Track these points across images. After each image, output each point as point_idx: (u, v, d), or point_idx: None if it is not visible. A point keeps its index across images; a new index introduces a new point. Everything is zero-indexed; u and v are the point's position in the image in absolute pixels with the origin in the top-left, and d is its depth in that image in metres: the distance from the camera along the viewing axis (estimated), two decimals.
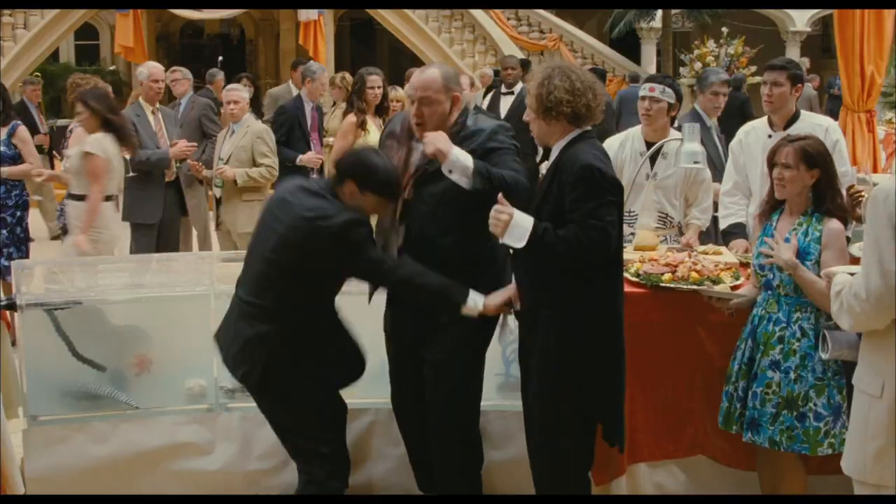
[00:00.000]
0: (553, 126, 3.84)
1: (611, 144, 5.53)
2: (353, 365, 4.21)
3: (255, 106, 9.59)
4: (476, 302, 4.00)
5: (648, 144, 5.41)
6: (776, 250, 4.03)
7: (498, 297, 4.04)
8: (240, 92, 7.56)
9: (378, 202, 4.03)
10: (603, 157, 3.80)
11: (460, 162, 3.93)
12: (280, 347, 3.98)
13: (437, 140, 3.98)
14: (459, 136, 4.09)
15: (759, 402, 4.09)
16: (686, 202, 5.54)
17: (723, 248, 5.13)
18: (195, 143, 7.80)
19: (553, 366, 3.83)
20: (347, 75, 10.21)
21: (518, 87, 10.06)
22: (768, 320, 4.12)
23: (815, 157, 4.09)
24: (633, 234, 5.35)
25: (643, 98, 5.37)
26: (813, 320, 4.07)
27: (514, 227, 3.71)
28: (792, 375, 4.05)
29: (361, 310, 4.38)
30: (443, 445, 4.31)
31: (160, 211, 7.57)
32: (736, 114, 7.87)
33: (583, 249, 3.65)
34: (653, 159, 5.38)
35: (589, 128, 3.88)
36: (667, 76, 5.83)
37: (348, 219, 3.89)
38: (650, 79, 5.57)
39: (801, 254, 4.04)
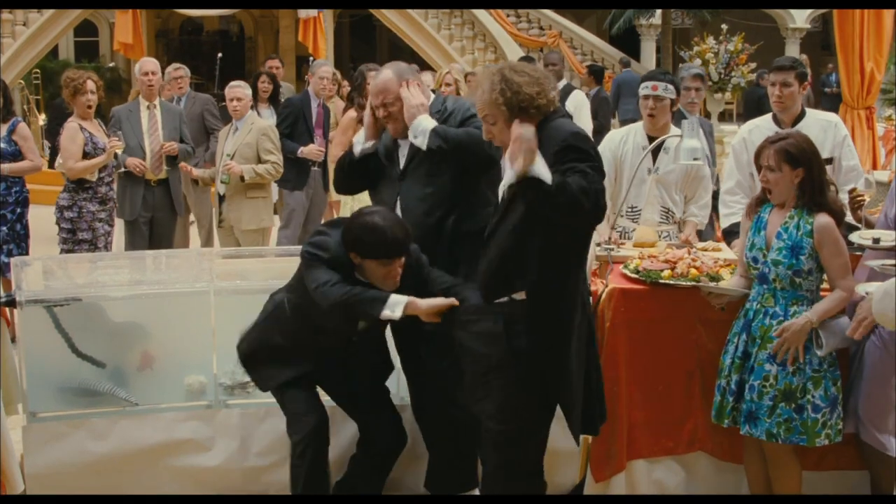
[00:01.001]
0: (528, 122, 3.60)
1: (612, 138, 5.55)
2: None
3: (276, 104, 9.60)
4: (395, 307, 3.89)
5: (651, 139, 5.43)
6: (790, 333, 4.03)
7: (429, 302, 3.93)
8: (242, 89, 7.55)
9: (378, 265, 3.94)
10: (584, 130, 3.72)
11: (422, 125, 4.19)
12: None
13: (411, 101, 4.20)
14: (441, 118, 4.28)
15: (757, 395, 4.11)
16: (685, 198, 5.55)
17: (722, 245, 5.14)
18: (173, 145, 7.68)
19: (524, 352, 3.69)
20: (338, 72, 10.25)
21: (560, 84, 9.97)
22: (764, 314, 4.14)
23: (798, 157, 4.09)
24: (636, 229, 5.37)
25: (646, 97, 5.37)
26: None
27: (540, 158, 3.44)
28: (791, 368, 4.07)
29: None
30: (445, 418, 4.34)
31: (138, 208, 7.53)
32: (754, 108, 7.88)
33: (590, 194, 3.41)
34: (654, 154, 5.39)
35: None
36: (666, 72, 5.81)
37: (310, 241, 4.10)
38: (651, 76, 5.53)
39: (795, 248, 4.06)
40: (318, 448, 4.25)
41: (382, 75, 4.34)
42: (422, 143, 4.20)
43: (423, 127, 4.19)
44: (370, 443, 4.43)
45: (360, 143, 4.45)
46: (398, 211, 4.28)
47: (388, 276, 3.98)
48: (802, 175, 4.09)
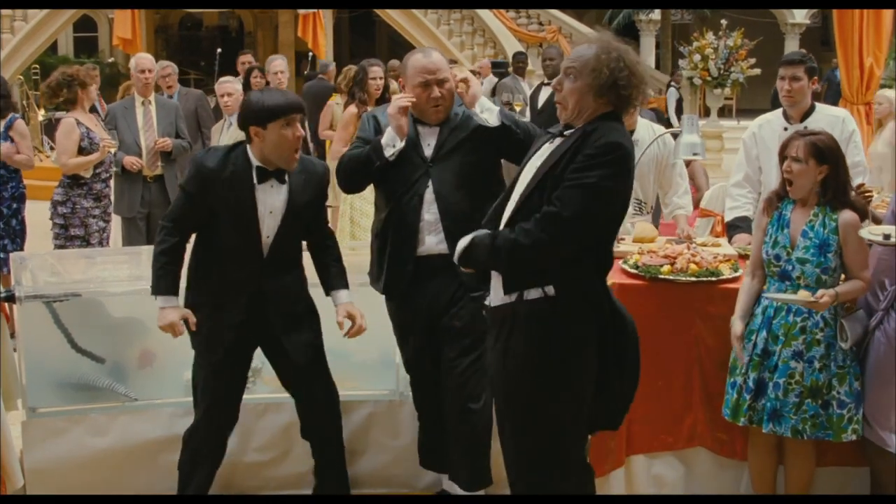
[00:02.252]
0: (599, 106, 3.42)
1: None
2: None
3: None
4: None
5: None
6: (817, 305, 4.02)
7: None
8: (232, 84, 7.55)
9: (283, 126, 4.01)
10: (631, 143, 3.48)
11: (487, 104, 4.20)
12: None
13: (468, 76, 4.22)
14: (462, 118, 4.29)
15: (782, 393, 4.11)
16: (661, 189, 5.60)
17: (721, 240, 5.14)
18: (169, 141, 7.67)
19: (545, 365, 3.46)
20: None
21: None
22: (787, 311, 4.14)
23: (826, 153, 4.10)
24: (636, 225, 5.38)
25: None
26: (833, 310, 4.13)
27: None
28: (817, 365, 4.09)
29: (360, 301, 4.40)
30: (463, 415, 4.30)
31: (137, 205, 7.54)
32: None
33: (553, 238, 3.30)
34: None
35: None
36: None
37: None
38: None
39: (823, 246, 4.08)
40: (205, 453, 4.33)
41: (434, 54, 4.30)
42: (490, 118, 4.19)
43: (488, 105, 4.21)
44: (304, 427, 4.46)
45: (390, 144, 4.22)
46: (430, 196, 4.24)
47: (293, 138, 4.03)
48: (827, 172, 4.11)
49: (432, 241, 4.26)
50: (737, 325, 4.22)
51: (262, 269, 4.16)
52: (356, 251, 5.72)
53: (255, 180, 4.08)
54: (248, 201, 4.08)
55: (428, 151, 4.28)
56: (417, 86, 4.23)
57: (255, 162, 4.09)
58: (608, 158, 3.32)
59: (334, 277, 4.36)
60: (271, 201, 4.13)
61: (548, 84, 9.99)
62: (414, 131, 4.31)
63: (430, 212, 4.25)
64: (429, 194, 4.24)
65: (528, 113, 10.28)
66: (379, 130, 4.34)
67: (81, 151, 6.88)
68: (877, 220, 4.57)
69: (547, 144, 3.54)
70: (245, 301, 4.16)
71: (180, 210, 4.18)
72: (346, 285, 4.37)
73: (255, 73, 9.87)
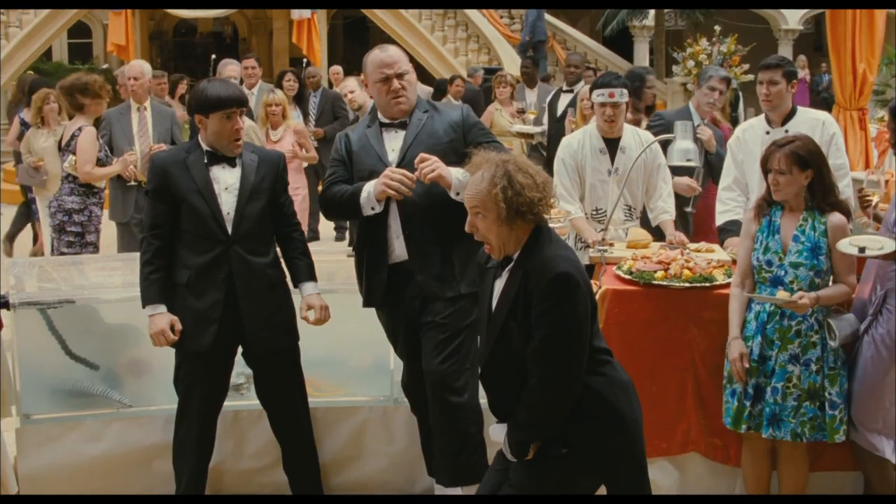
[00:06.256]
0: (518, 231, 3.33)
1: (569, 145, 5.62)
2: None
3: (303, 104, 9.58)
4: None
5: (606, 140, 5.55)
6: (796, 306, 4.05)
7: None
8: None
9: (222, 119, 4.19)
10: (574, 259, 3.36)
11: (463, 183, 3.89)
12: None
13: (435, 167, 4.06)
14: (425, 123, 4.27)
15: (781, 397, 4.13)
16: (647, 194, 5.63)
17: (715, 246, 5.15)
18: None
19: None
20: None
21: (578, 86, 9.76)
22: (781, 316, 4.15)
23: (807, 159, 4.11)
24: (603, 230, 5.39)
25: (603, 105, 5.45)
26: (825, 312, 4.16)
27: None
28: (813, 367, 4.12)
29: (355, 307, 4.40)
30: (443, 409, 4.27)
31: (131, 210, 7.54)
32: None
33: (556, 388, 3.28)
34: (612, 154, 5.49)
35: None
36: (618, 75, 5.81)
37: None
38: (605, 83, 5.51)
39: (815, 249, 4.10)
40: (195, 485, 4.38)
41: (391, 48, 4.32)
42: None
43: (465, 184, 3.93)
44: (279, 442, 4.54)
45: (371, 204, 4.20)
46: (394, 204, 4.20)
47: (232, 132, 4.22)
48: (812, 176, 4.13)
49: (403, 247, 4.26)
50: (738, 345, 4.20)
51: (230, 249, 4.23)
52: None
53: (206, 161, 4.25)
54: (205, 178, 4.23)
55: (392, 156, 4.28)
56: (378, 81, 4.28)
57: (205, 147, 4.27)
58: (561, 296, 3.24)
59: (300, 270, 4.44)
60: (224, 179, 4.28)
61: (567, 91, 9.99)
62: (378, 137, 4.33)
63: (396, 220, 4.25)
64: (393, 202, 4.22)
65: (544, 119, 10.12)
66: (350, 150, 4.36)
67: (97, 162, 6.86)
68: (878, 220, 4.60)
69: (497, 282, 3.43)
70: (219, 280, 4.23)
71: (152, 214, 4.29)
72: (312, 278, 4.44)
73: (287, 76, 9.92)
